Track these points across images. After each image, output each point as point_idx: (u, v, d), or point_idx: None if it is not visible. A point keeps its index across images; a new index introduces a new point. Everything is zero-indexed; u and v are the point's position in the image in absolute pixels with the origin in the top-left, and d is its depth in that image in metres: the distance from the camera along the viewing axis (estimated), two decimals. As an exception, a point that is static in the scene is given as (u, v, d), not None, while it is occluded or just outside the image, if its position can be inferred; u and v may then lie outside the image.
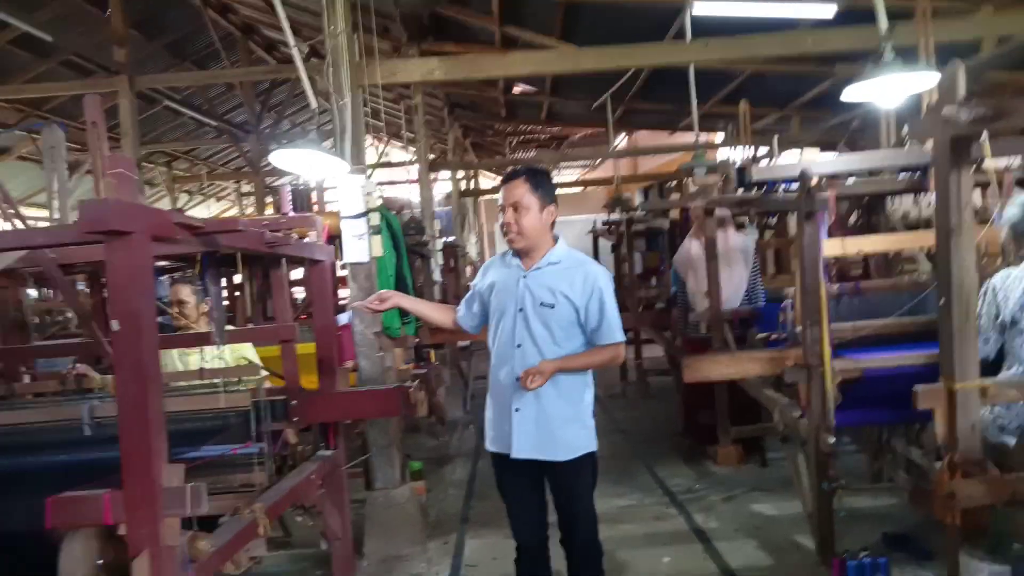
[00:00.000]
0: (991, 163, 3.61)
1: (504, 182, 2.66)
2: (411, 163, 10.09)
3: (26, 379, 3.54)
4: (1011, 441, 2.46)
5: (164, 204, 12.71)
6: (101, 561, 1.98)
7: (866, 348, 3.38)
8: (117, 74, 6.91)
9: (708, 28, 5.17)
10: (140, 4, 8.06)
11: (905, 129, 3.59)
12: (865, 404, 3.36)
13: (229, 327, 3.34)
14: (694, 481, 4.71)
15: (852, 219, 4.82)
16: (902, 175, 3.84)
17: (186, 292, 3.56)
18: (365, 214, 3.93)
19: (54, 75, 8.34)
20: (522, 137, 16.13)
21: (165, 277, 4.88)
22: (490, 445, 2.71)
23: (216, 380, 2.96)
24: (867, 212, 4.63)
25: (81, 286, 6.08)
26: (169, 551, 1.90)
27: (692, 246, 5.07)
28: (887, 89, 3.70)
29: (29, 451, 2.67)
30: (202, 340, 3.33)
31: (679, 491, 4.55)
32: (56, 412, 2.83)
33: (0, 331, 3.49)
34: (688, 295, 5.22)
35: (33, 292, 7.66)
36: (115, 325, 1.88)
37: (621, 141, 15.11)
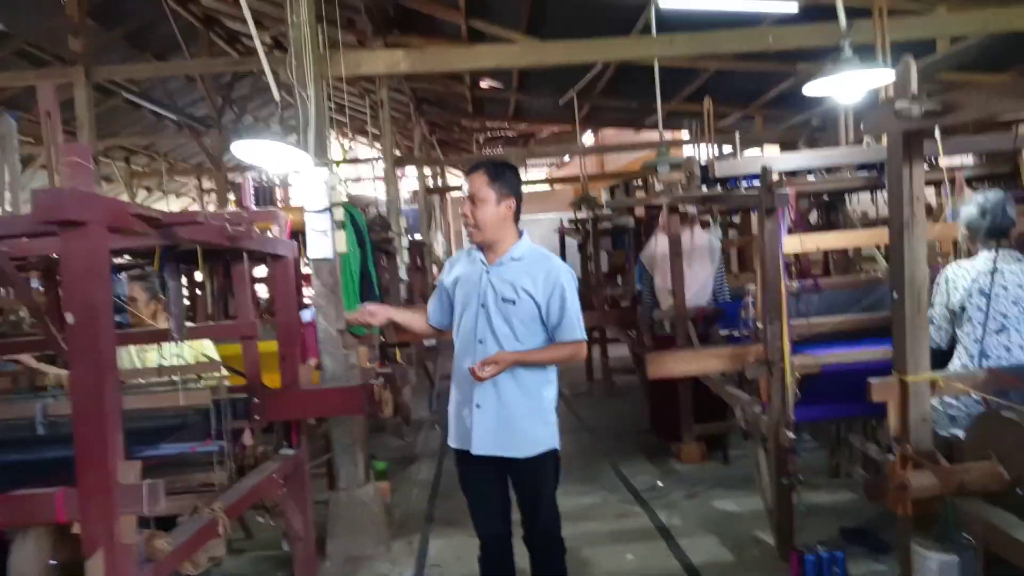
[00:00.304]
0: (944, 161, 3.73)
1: (467, 174, 2.67)
2: (376, 160, 10.01)
3: (-25, 377, 3.42)
4: (960, 433, 2.53)
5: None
6: (54, 561, 1.93)
7: (825, 344, 3.45)
8: (73, 64, 6.72)
9: (673, 24, 5.21)
10: (97, -8, 7.86)
11: (862, 127, 3.67)
12: (823, 399, 3.43)
13: (189, 324, 3.27)
14: (658, 478, 4.76)
15: (813, 217, 4.92)
16: (861, 173, 3.93)
17: (136, 290, 3.49)
18: (329, 209, 3.88)
19: (7, 64, 8.08)
20: (489, 134, 16.11)
21: (123, 275, 4.77)
22: (452, 441, 2.71)
23: (175, 377, 2.90)
24: (827, 210, 4.74)
25: (36, 284, 5.92)
26: (125, 549, 1.86)
27: (659, 243, 5.12)
28: (846, 85, 3.78)
29: (-22, 450, 2.59)
30: (161, 337, 3.26)
31: (643, 489, 4.59)
32: (8, 410, 2.75)
33: (-52, 327, 3.37)
34: (655, 292, 5.27)
35: (-17, 289, 7.42)
36: (70, 318, 1.83)
37: (588, 138, 15.21)
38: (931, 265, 2.73)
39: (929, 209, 6.57)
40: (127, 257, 6.02)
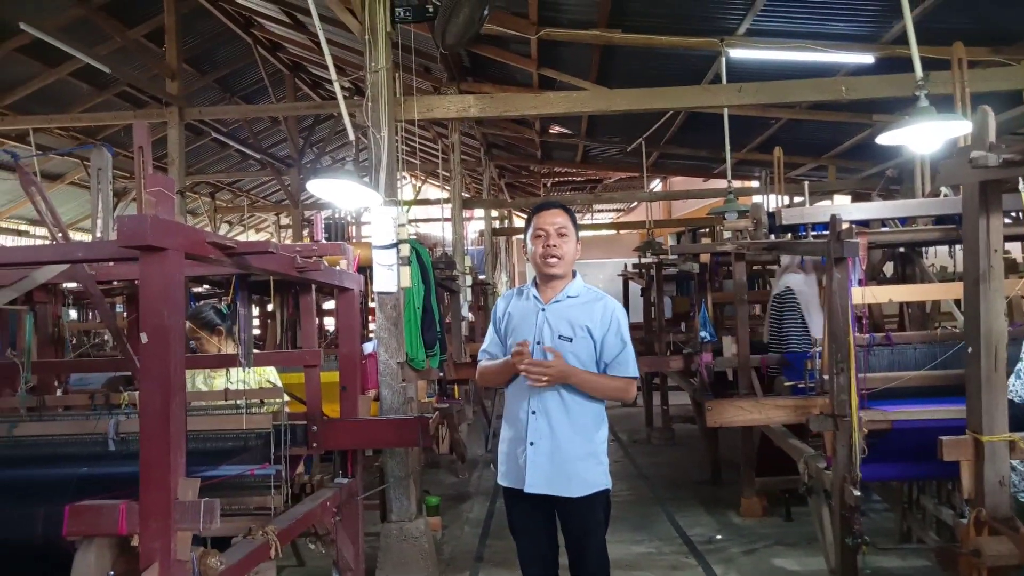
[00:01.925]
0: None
1: (540, 209, 2.70)
2: (446, 201, 10.27)
3: (59, 393, 3.63)
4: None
5: (205, 232, 13.05)
6: (112, 572, 2.00)
7: (897, 400, 3.30)
8: (168, 105, 7.20)
9: (743, 74, 5.22)
10: (194, 40, 8.45)
11: (938, 177, 3.56)
12: (894, 458, 3.27)
13: (256, 351, 3.39)
14: (715, 531, 4.60)
15: (888, 270, 4.76)
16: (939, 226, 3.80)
17: (193, 327, 3.61)
18: (396, 244, 4.00)
19: (109, 106, 8.73)
20: (557, 179, 16.29)
21: (201, 303, 5.00)
22: (502, 479, 2.69)
23: (239, 401, 3.00)
24: (903, 263, 4.58)
25: (119, 308, 6.27)
26: (179, 565, 1.91)
27: (797, 280, 4.60)
28: (921, 136, 3.68)
29: (54, 462, 2.73)
30: (228, 362, 3.40)
31: (699, 541, 4.44)
32: (83, 426, 2.89)
33: (37, 345, 3.59)
34: (795, 334, 4.59)
35: (73, 313, 7.90)
36: (144, 338, 1.94)
37: (655, 186, 15.18)
38: (1012, 324, 2.61)
39: (1012, 264, 6.27)
40: (207, 287, 6.34)
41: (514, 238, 17.31)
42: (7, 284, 2.63)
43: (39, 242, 11.14)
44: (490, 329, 2.81)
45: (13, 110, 7.98)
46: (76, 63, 7.52)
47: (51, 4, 6.80)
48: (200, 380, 3.71)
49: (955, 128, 3.59)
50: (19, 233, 12.22)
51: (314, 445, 3.19)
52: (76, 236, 9.05)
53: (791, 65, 5.56)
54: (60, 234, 3.04)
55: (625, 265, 9.87)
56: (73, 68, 7.78)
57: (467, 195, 14.75)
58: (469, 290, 7.86)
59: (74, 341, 6.79)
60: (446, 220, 9.77)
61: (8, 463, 2.73)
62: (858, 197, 8.07)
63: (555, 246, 2.60)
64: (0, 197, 10.94)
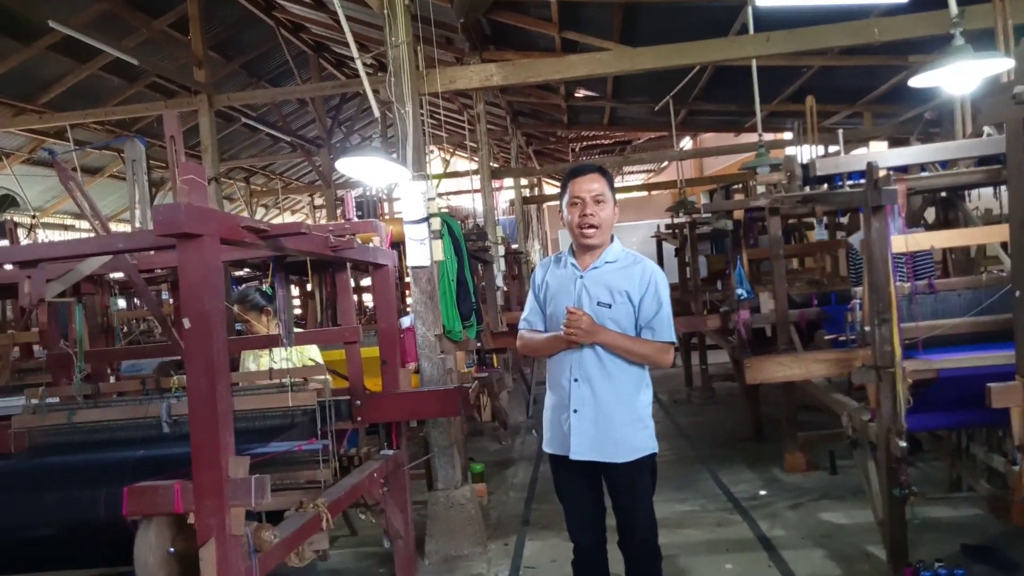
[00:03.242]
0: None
1: (575, 175, 2.62)
2: (475, 172, 10.25)
3: (111, 380, 3.76)
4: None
5: (241, 217, 13.28)
6: (172, 549, 2.10)
7: (942, 348, 3.23)
8: (197, 94, 7.29)
9: (772, 23, 5.06)
10: (218, 26, 8.50)
11: (979, 116, 3.43)
12: (940, 407, 3.21)
13: (298, 330, 3.47)
14: (759, 488, 4.60)
15: (928, 216, 4.63)
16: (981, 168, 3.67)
17: (239, 310, 3.72)
18: (427, 219, 4.02)
19: (141, 97, 8.88)
20: (585, 143, 16.11)
21: (244, 286, 5.11)
22: (547, 446, 2.71)
23: (284, 380, 3.08)
24: (944, 208, 4.44)
25: (165, 296, 6.45)
26: (235, 540, 1.99)
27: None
28: (958, 76, 3.54)
29: (112, 446, 2.86)
30: (271, 342, 3.48)
31: (743, 498, 4.45)
32: (137, 410, 3.01)
33: (88, 335, 3.72)
34: None
35: (122, 302, 8.13)
36: (186, 323, 2.00)
37: (685, 144, 14.91)
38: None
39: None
40: (247, 270, 6.46)
41: (545, 206, 17.22)
42: (55, 278, 2.72)
43: (82, 236, 11.44)
44: (529, 297, 2.80)
45: (49, 108, 8.17)
46: (106, 57, 7.64)
47: (77, 1, 6.90)
48: (251, 360, 3.82)
49: (992, 66, 3.45)
50: (64, 227, 12.58)
51: (358, 419, 3.27)
52: (119, 228, 9.28)
53: (820, 10, 5.35)
54: (100, 226, 3.12)
55: (658, 226, 9.76)
56: (103, 63, 7.92)
57: (495, 165, 14.69)
58: (502, 260, 7.87)
59: (124, 329, 7.02)
60: (476, 191, 9.77)
61: (69, 448, 2.86)
62: (895, 143, 7.82)
63: (592, 215, 2.55)
64: (45, 193, 11.25)
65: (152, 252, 3.21)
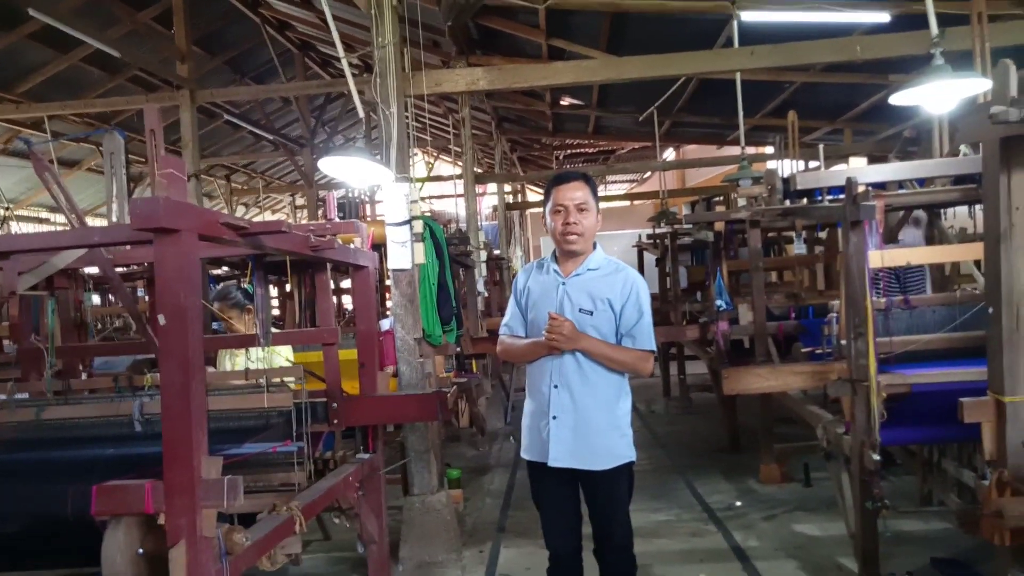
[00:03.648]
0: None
1: (559, 183, 2.62)
2: (458, 177, 10.24)
3: (83, 377, 3.70)
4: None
5: (221, 215, 13.16)
6: (141, 550, 2.05)
7: (916, 363, 3.28)
8: (180, 89, 7.21)
9: (757, 37, 5.12)
10: (203, 21, 8.42)
11: (957, 135, 3.49)
12: (913, 421, 3.25)
13: (275, 330, 3.43)
14: (735, 498, 4.62)
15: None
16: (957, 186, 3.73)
17: (223, 309, 3.68)
18: (409, 221, 4.00)
19: (122, 90, 8.76)
20: (569, 151, 16.17)
21: (221, 285, 5.05)
22: (525, 453, 2.70)
23: (260, 380, 3.04)
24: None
25: (141, 292, 6.36)
26: (206, 541, 1.96)
27: (912, 235, 4.63)
28: (937, 95, 3.60)
29: (82, 444, 2.79)
30: (247, 341, 3.44)
31: (718, 508, 4.47)
32: (109, 408, 2.95)
33: (61, 330, 3.66)
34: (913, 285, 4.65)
35: (96, 299, 8.00)
36: (162, 319, 1.96)
37: (668, 155, 15.02)
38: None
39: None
40: (225, 268, 6.38)
41: (528, 212, 17.27)
42: (27, 270, 2.67)
43: (57, 229, 11.26)
44: (511, 303, 2.80)
45: (27, 97, 8.02)
46: (87, 48, 7.52)
47: (59, -11, 6.80)
48: (227, 359, 3.77)
49: (971, 86, 3.51)
50: (39, 221, 12.37)
51: (335, 422, 3.23)
52: (95, 222, 9.15)
53: (804, 26, 5.43)
54: (76, 220, 3.07)
55: (640, 236, 9.82)
56: (84, 54, 7.80)
57: (479, 170, 14.69)
58: (484, 265, 7.87)
59: (98, 326, 6.91)
60: (459, 196, 9.75)
61: (37, 445, 2.80)
62: (874, 160, 7.94)
63: (575, 223, 2.55)
64: (19, 185, 11.05)
65: (128, 247, 3.16)
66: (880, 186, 3.84)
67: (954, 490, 3.59)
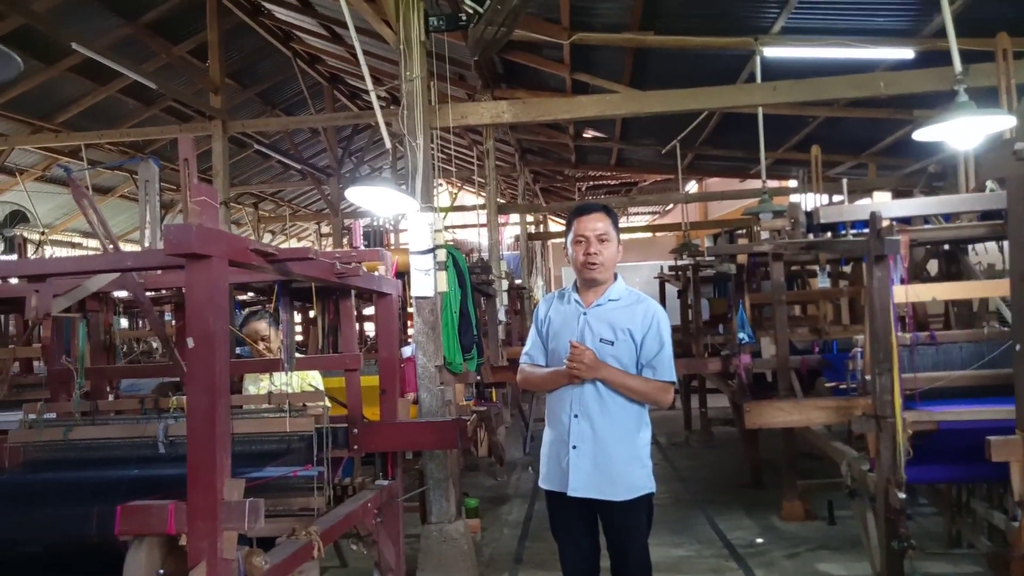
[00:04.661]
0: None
1: (580, 214, 2.66)
2: (481, 207, 10.34)
3: (110, 399, 3.75)
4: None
5: (248, 242, 13.40)
6: (162, 571, 2.07)
7: (943, 401, 3.23)
8: (212, 119, 7.41)
9: (779, 72, 5.16)
10: (236, 55, 8.68)
11: (981, 171, 3.48)
12: (940, 459, 3.19)
13: (299, 355, 3.47)
14: (756, 535, 4.54)
15: (932, 269, 4.65)
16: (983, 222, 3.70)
17: (262, 326, 3.74)
18: (432, 250, 4.05)
19: (156, 120, 9.02)
20: (591, 183, 16.26)
21: (246, 311, 5.13)
22: (544, 482, 2.69)
23: (283, 405, 3.07)
24: (946, 261, 4.47)
25: (168, 317, 6.46)
26: (226, 564, 1.97)
27: None
28: (962, 131, 3.60)
29: (107, 465, 2.84)
30: (273, 366, 3.48)
31: (740, 544, 4.39)
32: (134, 429, 2.99)
33: (89, 352, 3.73)
34: None
35: (124, 322, 8.15)
36: (190, 343, 2.01)
37: (690, 187, 15.04)
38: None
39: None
40: (251, 294, 6.48)
41: (549, 242, 17.32)
42: (62, 293, 2.74)
43: (91, 253, 11.52)
44: (532, 332, 2.81)
45: (67, 127, 8.30)
46: (124, 80, 7.78)
47: (100, 24, 7.06)
48: (251, 384, 3.82)
49: (995, 122, 3.51)
50: (73, 245, 12.67)
51: (355, 447, 3.24)
52: (126, 247, 9.37)
53: (827, 62, 5.47)
54: (111, 244, 3.15)
55: (661, 268, 9.79)
56: (122, 85, 8.06)
57: (502, 200, 14.81)
58: (505, 294, 7.90)
59: (125, 348, 7.02)
60: (482, 226, 9.83)
61: (64, 465, 2.84)
62: (899, 194, 7.89)
63: (596, 253, 2.58)
64: (55, 211, 11.36)
65: (159, 272, 3.23)
66: (905, 221, 3.83)
67: (984, 532, 3.50)
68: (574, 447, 2.55)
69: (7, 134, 8.09)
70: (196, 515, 1.95)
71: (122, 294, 3.97)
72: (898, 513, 3.08)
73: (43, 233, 9.68)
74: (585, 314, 2.64)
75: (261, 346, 3.74)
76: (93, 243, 12.13)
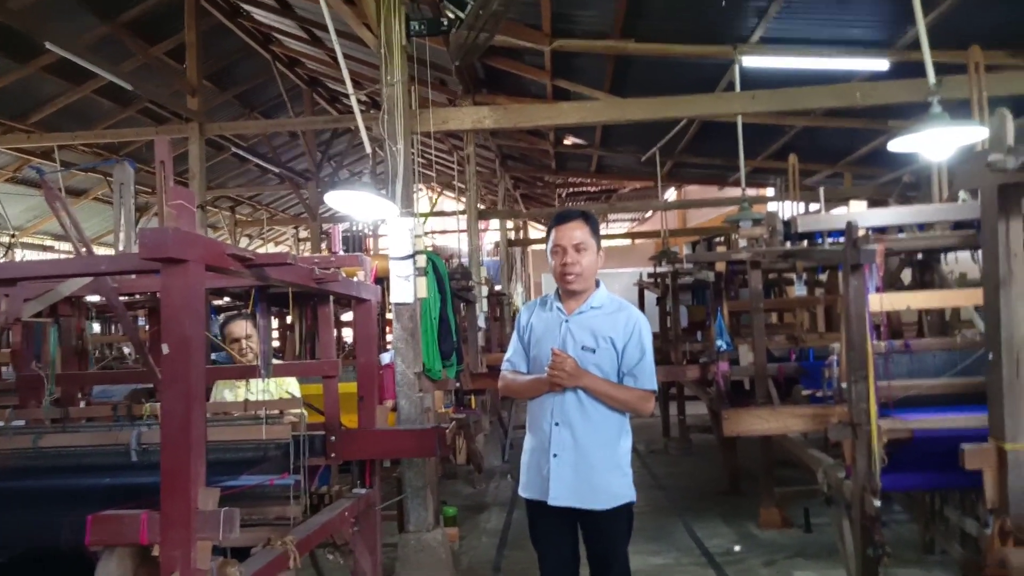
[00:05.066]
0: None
1: (560, 222, 2.63)
2: (461, 213, 10.33)
3: (81, 405, 3.68)
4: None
5: (224, 246, 13.26)
6: (135, 581, 2.03)
7: (918, 409, 3.27)
8: (189, 121, 7.32)
9: (758, 82, 5.22)
10: (214, 57, 8.59)
11: (954, 181, 3.54)
12: (915, 467, 3.23)
13: (276, 361, 3.43)
14: (734, 542, 4.56)
15: (905, 278, 4.72)
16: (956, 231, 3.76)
17: (248, 326, 3.69)
18: (412, 256, 4.03)
19: (132, 122, 8.90)
20: (571, 189, 16.32)
21: (221, 316, 5.06)
22: (524, 491, 2.67)
23: (259, 412, 3.03)
24: (920, 270, 4.54)
25: (142, 322, 6.37)
26: (199, 574, 1.93)
27: None
28: (935, 142, 3.66)
29: (78, 472, 2.77)
30: (249, 372, 3.43)
31: (717, 552, 4.40)
32: (106, 437, 2.93)
33: (60, 357, 3.65)
34: None
35: (96, 327, 8.01)
36: (165, 348, 1.97)
37: (670, 195, 15.15)
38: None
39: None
40: (227, 299, 6.40)
41: (529, 248, 17.34)
42: (32, 297, 2.68)
43: (63, 256, 11.32)
44: (513, 338, 2.80)
45: (39, 127, 8.15)
46: (100, 81, 7.67)
47: (76, 23, 6.95)
48: (227, 390, 3.76)
49: (967, 134, 3.57)
50: (44, 248, 12.44)
51: (332, 455, 3.20)
52: (99, 250, 9.22)
53: (805, 72, 5.55)
54: (84, 248, 3.09)
55: (640, 274, 9.84)
56: (97, 86, 7.94)
57: (482, 206, 14.81)
58: (485, 301, 7.88)
59: (97, 354, 6.90)
60: (462, 232, 9.82)
61: (33, 473, 2.77)
62: (874, 203, 8.01)
63: (573, 263, 2.56)
64: (26, 213, 11.15)
65: (133, 276, 3.18)
66: (880, 230, 3.88)
67: (957, 539, 3.54)
68: (555, 455, 2.53)
69: (-23, 134, 7.93)
70: (169, 524, 1.91)
71: (95, 298, 3.90)
72: (873, 520, 3.10)
73: (13, 236, 9.49)
74: (567, 321, 2.63)
75: (244, 345, 3.69)
76: (65, 246, 11.93)
